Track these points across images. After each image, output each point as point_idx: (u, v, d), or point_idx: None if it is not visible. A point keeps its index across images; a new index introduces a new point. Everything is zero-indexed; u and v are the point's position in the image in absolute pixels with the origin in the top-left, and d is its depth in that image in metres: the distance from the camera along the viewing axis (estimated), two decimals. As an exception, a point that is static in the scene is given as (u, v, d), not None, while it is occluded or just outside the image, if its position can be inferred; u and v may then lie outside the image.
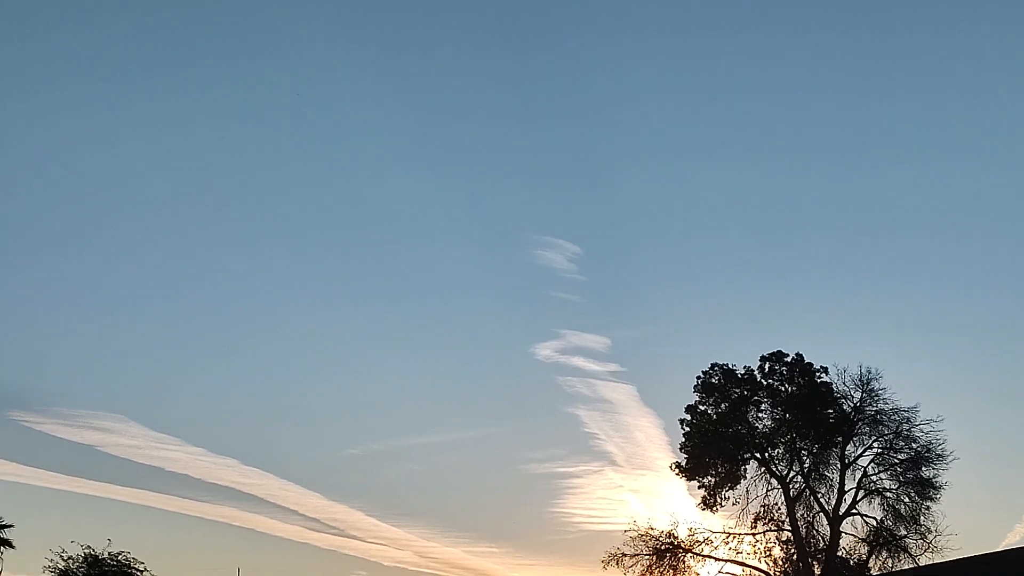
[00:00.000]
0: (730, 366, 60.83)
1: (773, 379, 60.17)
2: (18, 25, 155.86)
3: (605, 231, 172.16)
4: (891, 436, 57.69)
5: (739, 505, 59.65)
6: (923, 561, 56.07)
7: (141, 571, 67.31)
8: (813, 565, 57.97)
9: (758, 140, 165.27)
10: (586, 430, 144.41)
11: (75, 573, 65.91)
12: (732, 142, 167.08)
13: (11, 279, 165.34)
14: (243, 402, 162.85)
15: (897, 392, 58.28)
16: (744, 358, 61.21)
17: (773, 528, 58.84)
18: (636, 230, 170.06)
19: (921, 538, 56.23)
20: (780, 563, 59.07)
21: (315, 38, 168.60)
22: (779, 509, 58.93)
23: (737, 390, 60.25)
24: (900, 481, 57.43)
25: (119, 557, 66.81)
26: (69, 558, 66.13)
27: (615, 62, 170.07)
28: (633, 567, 58.94)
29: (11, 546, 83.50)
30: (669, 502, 66.02)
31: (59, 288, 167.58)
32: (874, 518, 57.46)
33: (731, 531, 59.20)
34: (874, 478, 57.92)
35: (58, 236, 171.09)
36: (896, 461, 57.58)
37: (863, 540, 57.47)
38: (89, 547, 66.76)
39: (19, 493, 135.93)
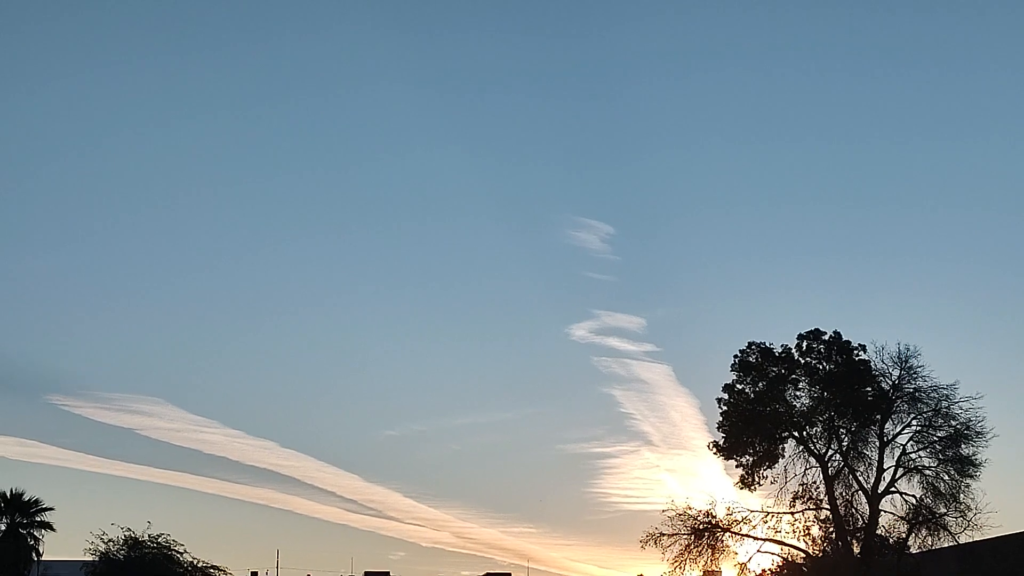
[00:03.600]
0: (767, 344, 60.60)
1: (811, 357, 59.88)
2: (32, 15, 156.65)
3: (638, 211, 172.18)
4: (930, 413, 57.35)
5: (777, 484, 59.51)
6: (963, 539, 55.86)
7: (181, 553, 67.86)
8: (852, 544, 57.76)
9: (793, 121, 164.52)
10: (622, 410, 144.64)
11: (115, 555, 66.49)
12: (766, 122, 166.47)
13: (48, 266, 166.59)
14: (281, 384, 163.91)
15: (936, 369, 58.03)
16: (781, 336, 61.03)
17: (812, 507, 58.60)
18: (669, 210, 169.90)
19: (961, 516, 55.86)
20: (819, 542, 58.88)
21: (344, 21, 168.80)
22: (817, 488, 58.71)
23: (775, 369, 59.99)
24: (939, 459, 57.08)
25: (159, 539, 67.38)
26: (109, 540, 66.77)
27: (649, 44, 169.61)
28: (671, 546, 58.87)
29: (52, 529, 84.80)
30: (706, 481, 66.06)
31: (96, 274, 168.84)
32: (913, 496, 57.22)
33: (769, 510, 59.01)
34: (913, 456, 57.63)
35: (95, 223, 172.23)
36: (935, 439, 57.23)
37: (902, 518, 57.21)
38: (129, 529, 67.39)
39: (59, 476, 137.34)
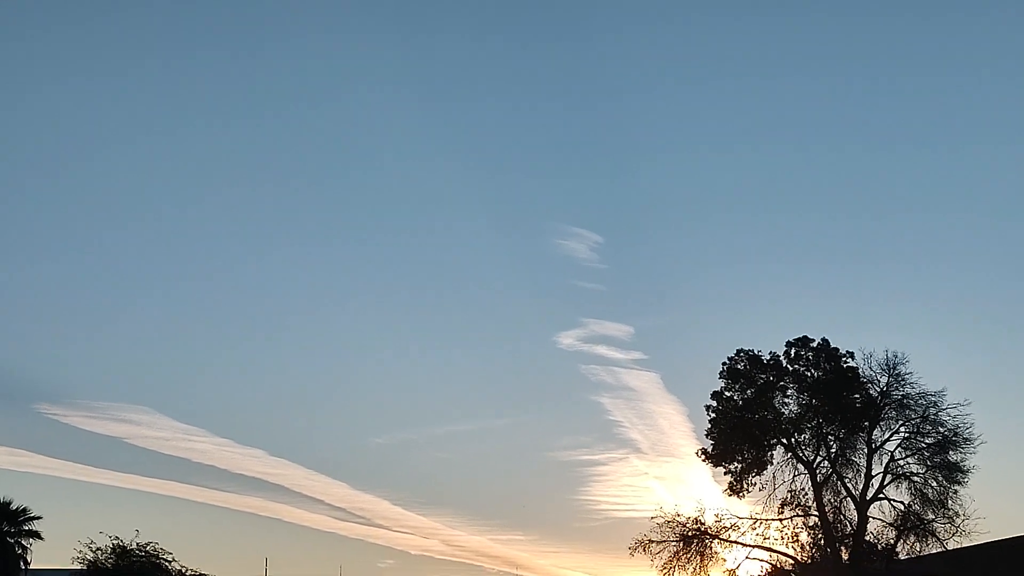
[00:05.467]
0: (755, 352, 60.69)
1: (799, 364, 60.00)
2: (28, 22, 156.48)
3: (627, 220, 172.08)
4: (918, 420, 57.51)
5: (766, 491, 59.70)
6: (951, 545, 56.00)
7: (169, 561, 67.70)
8: (841, 550, 57.86)
9: (779, 127, 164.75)
10: (610, 418, 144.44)
11: (104, 564, 66.25)
12: (753, 130, 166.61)
13: (36, 274, 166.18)
14: (269, 393, 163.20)
15: (924, 376, 58.21)
16: (769, 344, 61.19)
17: (800, 513, 58.74)
18: (658, 218, 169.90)
19: (949, 522, 56.04)
20: (807, 548, 58.98)
21: (332, 29, 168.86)
22: (806, 494, 58.86)
23: (763, 376, 60.10)
24: (927, 465, 57.25)
25: (147, 548, 67.20)
26: (97, 549, 66.56)
27: (636, 52, 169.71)
28: (660, 553, 59.00)
29: (40, 538, 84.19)
30: (694, 489, 66.15)
31: (84, 282, 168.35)
32: (902, 502, 57.40)
33: (758, 517, 59.16)
34: (901, 462, 57.80)
35: (83, 231, 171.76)
36: (923, 445, 57.40)
37: (891, 525, 57.39)
38: (117, 538, 67.18)
39: (47, 485, 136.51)
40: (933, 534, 56.15)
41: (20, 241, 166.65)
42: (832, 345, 60.03)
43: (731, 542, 59.18)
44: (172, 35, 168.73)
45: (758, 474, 59.77)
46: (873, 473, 57.78)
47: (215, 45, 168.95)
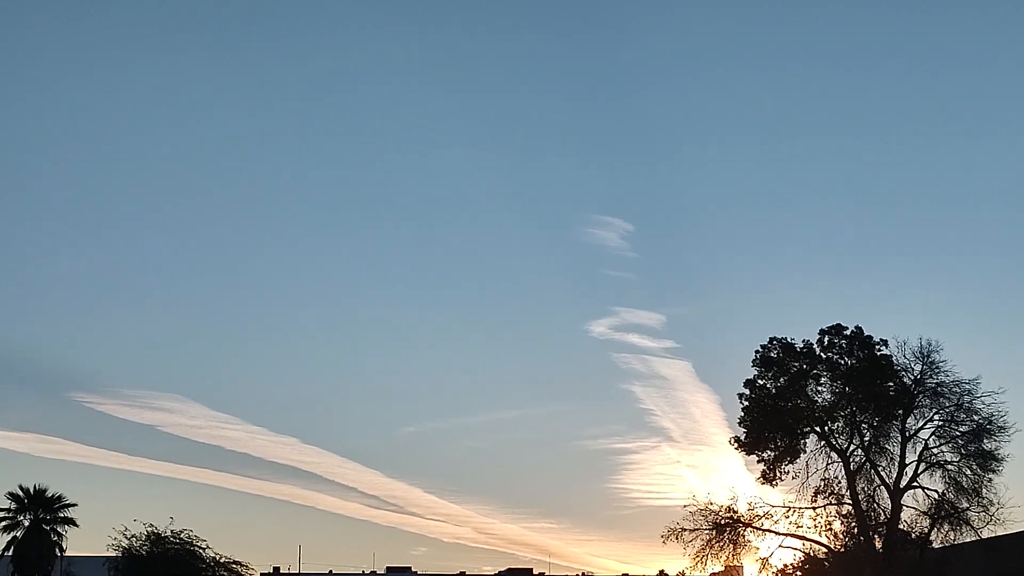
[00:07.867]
0: (788, 340, 60.57)
1: (832, 352, 59.84)
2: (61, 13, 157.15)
3: (658, 208, 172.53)
4: (952, 408, 57.26)
5: (799, 479, 59.50)
6: (986, 534, 55.80)
7: (203, 548, 68.04)
8: (874, 539, 57.78)
9: (813, 117, 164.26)
10: (642, 406, 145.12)
11: (138, 551, 66.66)
12: (785, 118, 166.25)
13: (71, 264, 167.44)
14: (302, 381, 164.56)
15: (958, 364, 57.92)
16: (802, 332, 60.97)
17: (833, 502, 58.58)
18: (689, 207, 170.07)
19: (983, 511, 55.80)
20: (841, 537, 58.86)
21: (365, 19, 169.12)
22: (839, 483, 58.68)
23: (796, 364, 59.98)
24: (962, 453, 56.99)
25: (181, 535, 67.53)
26: (132, 536, 66.90)
27: (666, 40, 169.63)
28: (693, 541, 58.87)
29: (75, 525, 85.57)
30: (726, 477, 66.11)
31: (118, 272, 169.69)
32: (935, 491, 57.12)
33: (791, 505, 59.07)
34: (935, 451, 57.56)
35: (116, 221, 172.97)
36: (958, 433, 57.15)
37: (924, 513, 57.18)
38: (152, 525, 67.51)
39: (82, 473, 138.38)
40: (967, 523, 55.96)
41: (55, 233, 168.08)
42: (866, 333, 59.90)
43: (764, 530, 59.11)
44: (200, 26, 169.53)
45: (791, 462, 59.66)
46: (907, 461, 57.65)
47: (246, 37, 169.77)
